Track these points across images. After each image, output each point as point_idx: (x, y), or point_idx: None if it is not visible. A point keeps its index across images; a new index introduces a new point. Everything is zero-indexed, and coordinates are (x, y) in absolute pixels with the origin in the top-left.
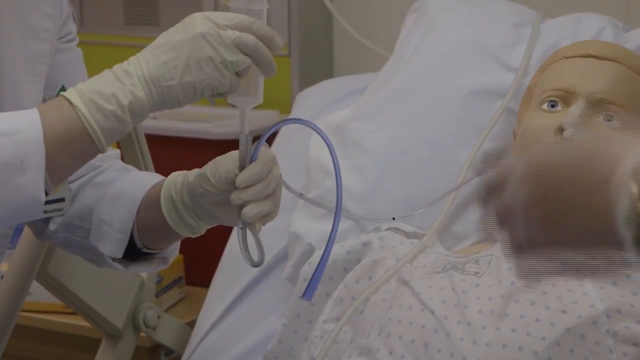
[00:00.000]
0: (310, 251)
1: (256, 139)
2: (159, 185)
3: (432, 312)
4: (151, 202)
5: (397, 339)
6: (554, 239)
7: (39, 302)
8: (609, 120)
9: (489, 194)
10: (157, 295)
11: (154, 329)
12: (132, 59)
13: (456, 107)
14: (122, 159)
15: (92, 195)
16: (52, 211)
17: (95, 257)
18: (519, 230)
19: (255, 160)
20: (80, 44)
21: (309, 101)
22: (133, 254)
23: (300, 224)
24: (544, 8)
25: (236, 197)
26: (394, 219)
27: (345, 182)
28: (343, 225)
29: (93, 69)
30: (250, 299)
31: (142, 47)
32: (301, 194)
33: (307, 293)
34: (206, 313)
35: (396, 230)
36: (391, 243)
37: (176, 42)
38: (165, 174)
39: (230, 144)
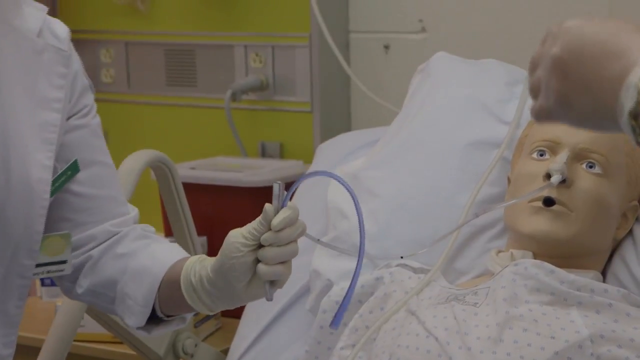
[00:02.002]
0: (329, 286)
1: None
2: (178, 265)
3: (436, 339)
4: (171, 282)
5: None
6: (567, 116)
7: (90, 332)
8: (591, 167)
9: (530, 69)
10: (196, 326)
11: (192, 356)
12: None
13: (457, 156)
14: (162, 205)
15: (115, 267)
16: (55, 271)
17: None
18: (541, 103)
19: (285, 207)
20: (126, 104)
21: (328, 152)
22: (153, 317)
23: (320, 262)
24: None
25: (270, 237)
26: (402, 257)
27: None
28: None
29: (138, 125)
30: (277, 328)
31: (181, 106)
32: (319, 240)
33: (335, 323)
34: (238, 342)
35: (405, 266)
36: (400, 278)
37: None
38: (202, 217)
39: (259, 191)
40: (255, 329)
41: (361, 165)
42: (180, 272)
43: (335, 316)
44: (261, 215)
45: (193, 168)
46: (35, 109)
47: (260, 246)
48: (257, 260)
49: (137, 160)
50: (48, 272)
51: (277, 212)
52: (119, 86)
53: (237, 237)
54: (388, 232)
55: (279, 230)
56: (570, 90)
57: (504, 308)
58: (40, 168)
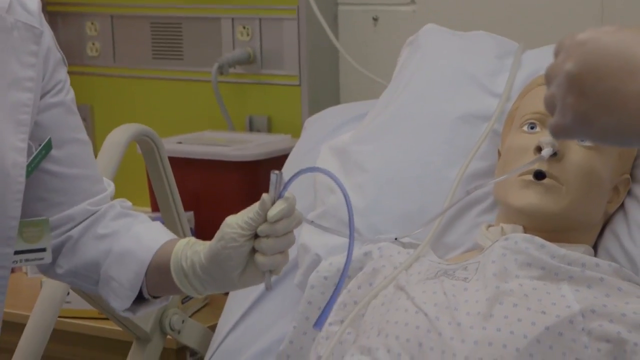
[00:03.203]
0: (317, 261)
1: (269, 161)
2: (165, 248)
3: (426, 314)
4: (160, 266)
5: (394, 339)
6: (587, 133)
7: (75, 309)
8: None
9: (546, 83)
10: (183, 303)
11: (179, 332)
12: None
13: (446, 130)
14: (148, 180)
15: (97, 248)
16: (33, 260)
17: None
18: (557, 120)
19: (282, 198)
20: (112, 78)
21: (316, 126)
22: (138, 297)
23: (308, 237)
24: (525, 39)
25: (267, 228)
26: (396, 239)
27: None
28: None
29: (124, 99)
30: (264, 304)
31: (168, 80)
32: (312, 222)
33: (318, 323)
34: (225, 318)
35: (394, 241)
36: (389, 253)
37: None
38: (189, 192)
39: (246, 165)
40: (242, 305)
41: (349, 139)
42: (168, 256)
43: (319, 317)
44: (258, 204)
45: (180, 142)
46: (6, 89)
47: (257, 235)
48: (254, 249)
49: (122, 134)
50: (27, 260)
51: (274, 202)
52: (105, 60)
53: (234, 227)
54: (376, 206)
55: (275, 222)
56: (589, 109)
57: (494, 283)
58: (14, 151)
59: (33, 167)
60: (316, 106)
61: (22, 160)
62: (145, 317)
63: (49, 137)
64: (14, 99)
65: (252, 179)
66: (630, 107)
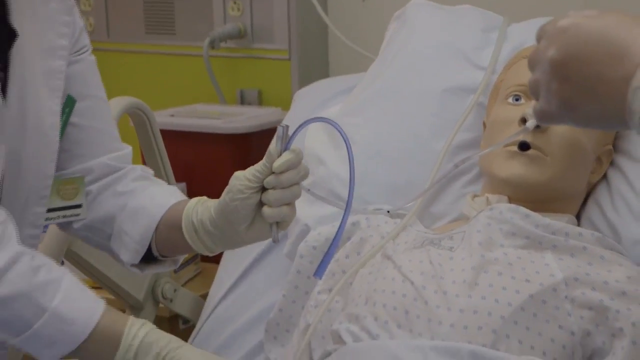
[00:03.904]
0: (306, 231)
1: (260, 133)
2: (176, 207)
3: (412, 283)
4: (171, 223)
5: (382, 307)
6: (572, 118)
7: None
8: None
9: (530, 67)
10: (175, 271)
11: (171, 301)
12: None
13: (433, 102)
14: (141, 152)
15: (114, 203)
16: (70, 216)
17: (113, 256)
18: (542, 106)
19: (288, 150)
20: (106, 52)
21: (306, 99)
22: (147, 257)
23: (297, 207)
24: (510, 13)
25: (273, 180)
26: (388, 211)
27: (336, 171)
28: (334, 209)
29: (119, 74)
30: (255, 274)
31: (160, 54)
32: (309, 190)
33: (318, 272)
34: (217, 287)
35: (381, 210)
36: (376, 222)
37: None
38: (181, 164)
39: (237, 138)
40: (233, 274)
41: (338, 111)
42: (180, 213)
43: (319, 266)
44: (265, 157)
45: (172, 115)
46: (43, 57)
47: (264, 189)
48: (261, 203)
49: (113, 106)
50: (64, 216)
51: (280, 154)
52: (99, 35)
53: (241, 179)
54: (364, 178)
55: (281, 173)
56: (574, 95)
57: (479, 252)
58: (51, 114)
59: (62, 127)
60: (306, 79)
61: (57, 122)
62: (138, 286)
63: (68, 94)
64: (49, 66)
65: (243, 151)
66: (614, 92)
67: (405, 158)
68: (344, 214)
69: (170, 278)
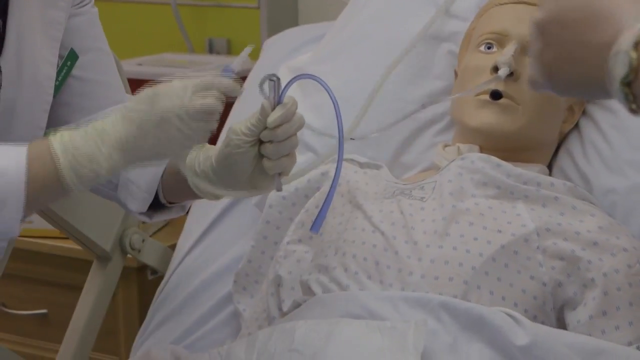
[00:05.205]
0: None
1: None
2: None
3: (382, 233)
4: (175, 171)
5: (351, 258)
6: (552, 85)
7: (37, 228)
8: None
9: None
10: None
11: (139, 251)
12: (111, 120)
13: (403, 50)
14: None
15: None
16: None
17: (121, 205)
18: (530, 72)
19: (281, 104)
20: None
21: (275, 48)
22: (155, 204)
23: None
24: None
25: (268, 134)
26: (352, 139)
27: (306, 119)
28: (305, 157)
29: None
30: (223, 224)
31: (128, 2)
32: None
33: (314, 227)
34: (185, 237)
35: (351, 161)
36: (345, 172)
37: (144, 121)
38: None
39: None
40: (202, 224)
41: (307, 60)
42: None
43: (315, 220)
44: (259, 110)
45: (140, 64)
46: (42, 7)
47: (262, 141)
48: (261, 154)
49: None
50: None
51: (274, 107)
52: None
53: (237, 133)
54: (334, 126)
55: (275, 127)
56: (553, 60)
57: (450, 202)
58: (47, 64)
59: (61, 80)
60: (275, 28)
61: (53, 73)
62: (105, 236)
63: (71, 47)
64: (49, 16)
65: None
66: (594, 57)
67: (375, 106)
68: (337, 167)
69: (138, 228)
